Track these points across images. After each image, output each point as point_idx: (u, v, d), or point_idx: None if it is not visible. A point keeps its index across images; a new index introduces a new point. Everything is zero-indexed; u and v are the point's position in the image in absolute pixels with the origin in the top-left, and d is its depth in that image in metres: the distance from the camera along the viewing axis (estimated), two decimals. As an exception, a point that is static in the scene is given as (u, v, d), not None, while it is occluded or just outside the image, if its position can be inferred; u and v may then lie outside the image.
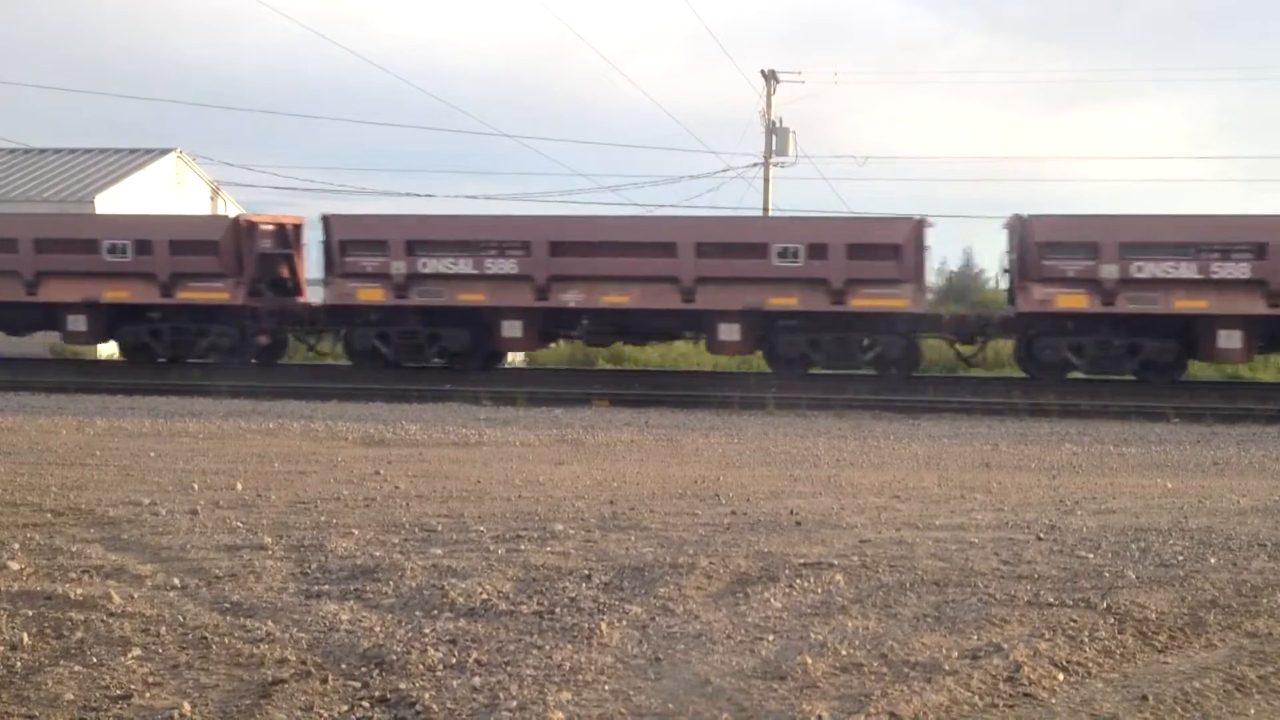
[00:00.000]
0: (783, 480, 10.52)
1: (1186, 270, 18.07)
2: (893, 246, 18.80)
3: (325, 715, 4.44)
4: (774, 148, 35.37)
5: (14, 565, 6.60)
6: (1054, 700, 4.64)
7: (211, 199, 34.22)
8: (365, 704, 4.54)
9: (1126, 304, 18.23)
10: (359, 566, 6.69)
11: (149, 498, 8.96)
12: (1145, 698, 4.65)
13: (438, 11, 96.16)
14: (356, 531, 7.69)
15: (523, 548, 7.21)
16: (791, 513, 8.57)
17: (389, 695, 4.61)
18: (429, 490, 9.57)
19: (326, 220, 20.74)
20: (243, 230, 20.90)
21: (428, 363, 20.84)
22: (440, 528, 7.85)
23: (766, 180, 35.58)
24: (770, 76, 35.77)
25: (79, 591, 6.03)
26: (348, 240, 20.39)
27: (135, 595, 6.01)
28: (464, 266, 19.92)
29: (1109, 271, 18.14)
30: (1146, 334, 18.56)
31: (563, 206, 42.14)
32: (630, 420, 16.15)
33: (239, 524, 7.96)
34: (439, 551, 7.08)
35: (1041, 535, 7.78)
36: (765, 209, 34.77)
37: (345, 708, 4.50)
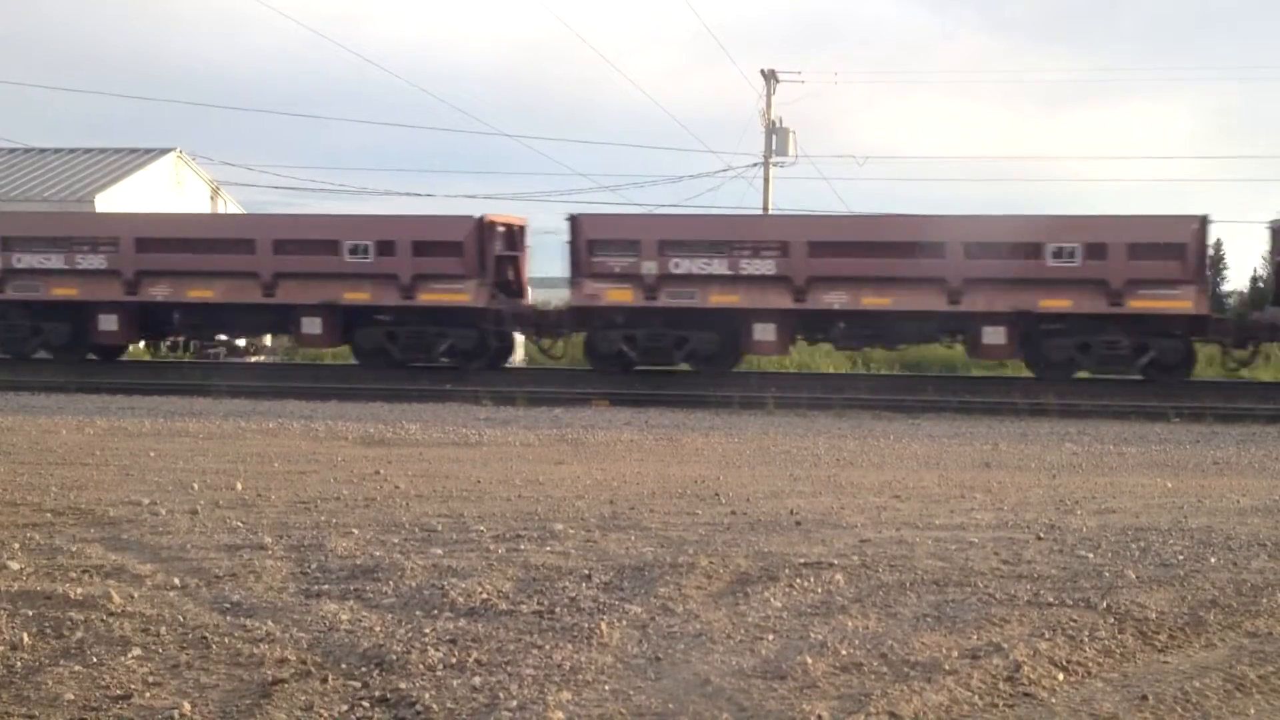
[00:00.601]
0: (783, 480, 10.52)
1: (719, 267, 19.09)
2: (455, 244, 19.96)
3: (325, 715, 4.43)
4: (774, 148, 35.40)
5: (14, 565, 6.59)
6: (1054, 700, 4.64)
7: (211, 199, 34.22)
8: (365, 704, 4.53)
9: (667, 299, 19.21)
10: (359, 566, 6.68)
11: (149, 498, 8.96)
12: (1145, 697, 4.65)
13: (438, 11, 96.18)
14: (356, 531, 7.68)
15: (523, 547, 7.21)
16: (791, 512, 8.57)
17: (389, 695, 4.61)
18: (429, 490, 9.57)
19: None
20: None
21: (35, 353, 21.88)
22: (440, 527, 7.85)
23: (766, 180, 35.61)
24: (770, 76, 35.79)
25: (79, 591, 6.02)
26: None
27: (135, 595, 6.00)
28: (56, 262, 20.97)
29: (649, 268, 19.19)
30: (691, 327, 19.50)
31: (562, 206, 42.14)
32: (630, 420, 16.16)
33: (239, 524, 7.96)
34: (439, 551, 7.07)
35: (1041, 535, 7.78)
36: (765, 208, 34.80)
37: (345, 707, 4.50)
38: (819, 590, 6.21)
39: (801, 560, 6.84)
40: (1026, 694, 4.68)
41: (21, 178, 31.45)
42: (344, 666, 4.95)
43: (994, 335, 18.75)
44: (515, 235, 21.24)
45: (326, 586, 6.24)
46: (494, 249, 20.24)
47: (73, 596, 5.93)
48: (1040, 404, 17.22)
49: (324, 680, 4.77)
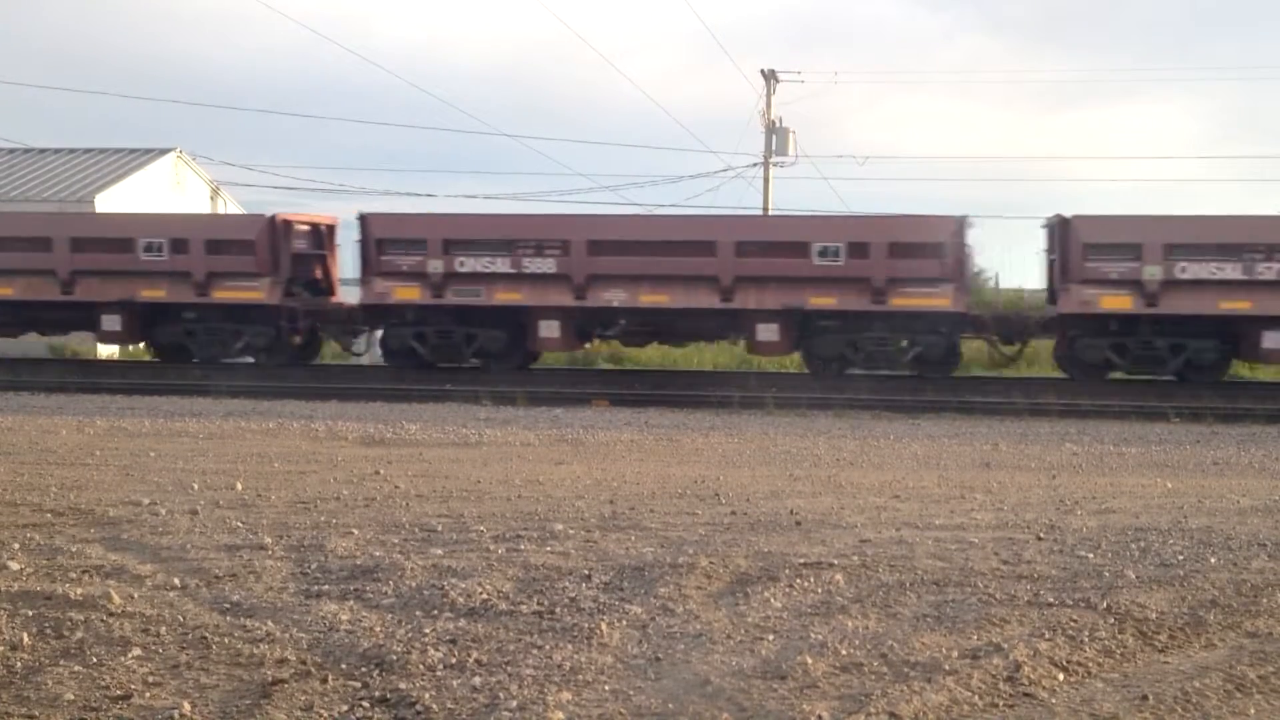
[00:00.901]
0: (783, 480, 10.52)
1: (503, 266, 19.64)
2: (247, 243, 20.52)
3: (325, 715, 4.44)
4: (774, 148, 35.37)
5: (14, 565, 6.60)
6: (1054, 700, 4.64)
7: (211, 199, 34.22)
8: (365, 704, 4.54)
9: (454, 296, 19.77)
10: (359, 566, 6.69)
11: (149, 498, 8.96)
12: (1145, 697, 4.65)
13: (438, 11, 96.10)
14: (356, 531, 7.69)
15: (523, 548, 7.21)
16: (791, 512, 8.57)
17: (389, 695, 4.61)
18: (429, 490, 9.57)
19: None
20: None
21: None
22: (440, 528, 7.85)
23: (766, 180, 35.59)
24: (770, 76, 35.77)
25: (79, 591, 6.03)
26: None
27: (135, 595, 6.01)
28: None
29: (435, 266, 19.69)
30: (479, 324, 20.08)
31: (562, 206, 42.19)
32: (630, 420, 16.15)
33: (239, 524, 7.96)
34: (439, 551, 7.07)
35: (1041, 535, 7.78)
36: (765, 209, 34.78)
37: (345, 708, 4.50)
38: (819, 590, 6.21)
39: (801, 560, 6.84)
40: (1026, 694, 4.69)
41: (21, 178, 31.44)
42: (344, 666, 4.95)
43: (768, 332, 19.31)
44: (322, 234, 21.83)
45: (326, 586, 6.25)
46: (291, 247, 20.77)
47: (73, 596, 5.93)
48: (1040, 404, 17.21)
49: (324, 680, 4.78)
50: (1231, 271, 17.92)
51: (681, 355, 25.18)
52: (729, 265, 19.01)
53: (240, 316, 20.78)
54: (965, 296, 19.07)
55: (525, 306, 19.73)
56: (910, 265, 18.65)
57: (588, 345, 21.61)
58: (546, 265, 19.52)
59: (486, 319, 20.06)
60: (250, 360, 21.35)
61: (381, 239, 20.02)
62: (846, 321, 19.11)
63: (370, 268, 20.10)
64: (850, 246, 18.66)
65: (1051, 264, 19.58)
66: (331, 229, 21.99)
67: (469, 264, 19.62)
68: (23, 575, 6.42)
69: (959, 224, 18.80)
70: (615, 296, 19.47)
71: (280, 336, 20.72)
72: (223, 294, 20.44)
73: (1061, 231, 18.62)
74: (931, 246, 18.65)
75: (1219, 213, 19.82)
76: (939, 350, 19.13)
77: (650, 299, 19.40)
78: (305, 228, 21.33)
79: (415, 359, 20.38)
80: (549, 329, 19.79)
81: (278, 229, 20.46)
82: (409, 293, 19.92)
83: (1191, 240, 18.11)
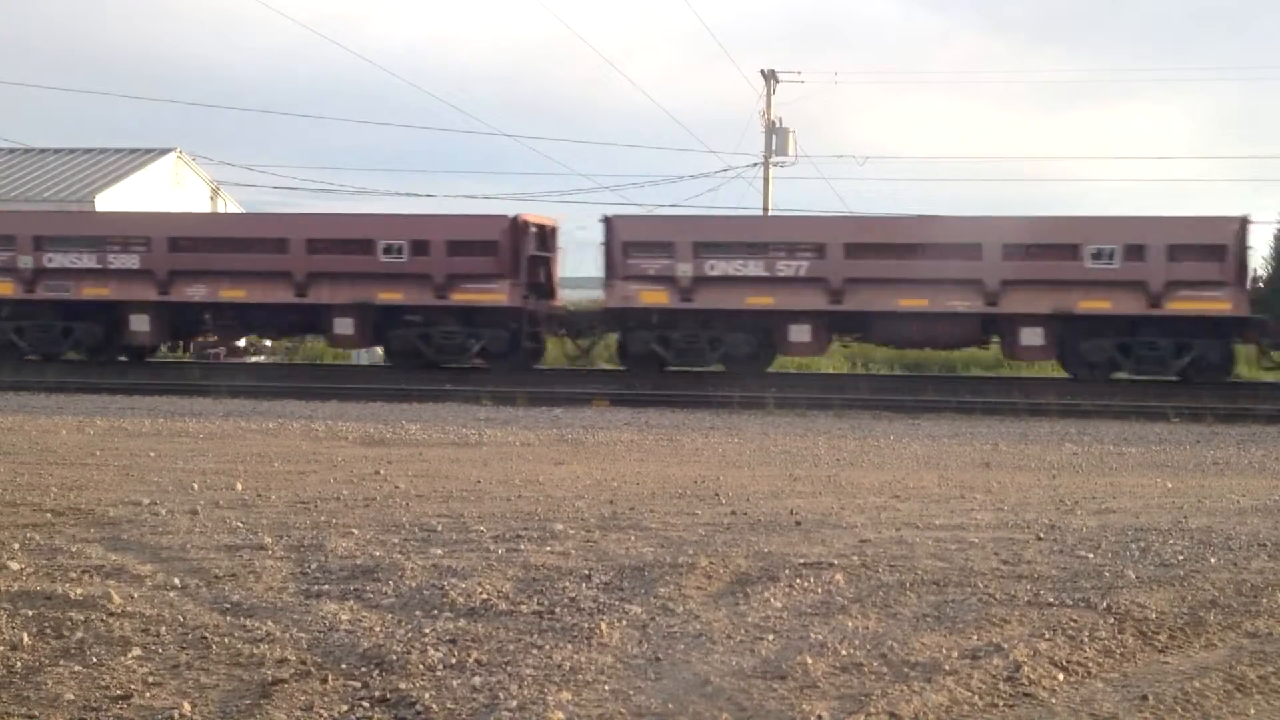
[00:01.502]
0: (783, 480, 10.52)
1: (90, 261, 20.77)
2: None
3: (325, 715, 4.43)
4: (774, 148, 35.40)
5: (14, 565, 6.59)
6: (1054, 700, 4.64)
7: (211, 199, 34.22)
8: (365, 704, 4.53)
9: (45, 291, 21.12)
10: (359, 566, 6.68)
11: (149, 498, 8.96)
12: (1145, 697, 4.65)
13: (438, 11, 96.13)
14: (356, 531, 7.68)
15: (523, 548, 7.21)
16: (791, 512, 8.57)
17: (389, 695, 4.61)
18: (429, 490, 9.57)
19: None
20: None
21: None
22: (440, 527, 7.85)
23: (766, 180, 35.61)
24: (770, 76, 35.79)
25: (79, 591, 6.02)
26: None
27: (135, 595, 6.00)
28: None
29: (25, 262, 21.03)
30: (74, 318, 21.44)
31: (563, 206, 42.27)
32: (630, 420, 16.15)
33: (239, 524, 7.96)
34: (439, 551, 7.07)
35: (1041, 535, 7.78)
36: (765, 209, 34.79)
37: (345, 708, 4.50)
38: (819, 590, 6.20)
39: (801, 560, 6.83)
40: (1026, 694, 4.68)
41: (22, 178, 31.46)
42: (344, 666, 4.95)
43: (344, 326, 20.52)
44: None
45: (326, 586, 6.24)
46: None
47: (73, 596, 5.93)
48: (1040, 404, 17.21)
49: (324, 680, 4.77)
50: (755, 269, 18.98)
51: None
52: (301, 262, 20.08)
53: None
54: (521, 291, 19.92)
55: (115, 301, 20.85)
56: (468, 262, 19.76)
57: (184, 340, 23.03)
58: (131, 261, 20.59)
59: (81, 314, 21.14)
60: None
61: (37, 236, 21.03)
62: (422, 316, 20.13)
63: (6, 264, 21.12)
64: (413, 244, 19.79)
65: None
66: None
67: (58, 260, 20.84)
68: (23, 575, 6.42)
69: (510, 223, 19.87)
70: (197, 292, 20.61)
71: None
72: None
73: (607, 230, 19.62)
74: (486, 245, 19.73)
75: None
76: (502, 343, 20.13)
77: (230, 294, 20.50)
78: None
79: (16, 353, 21.38)
80: (139, 323, 21.00)
81: None
82: (2, 288, 21.11)
83: (719, 239, 19.22)
